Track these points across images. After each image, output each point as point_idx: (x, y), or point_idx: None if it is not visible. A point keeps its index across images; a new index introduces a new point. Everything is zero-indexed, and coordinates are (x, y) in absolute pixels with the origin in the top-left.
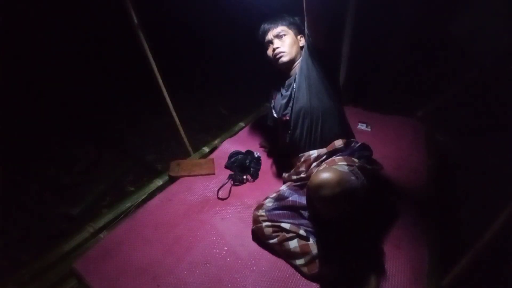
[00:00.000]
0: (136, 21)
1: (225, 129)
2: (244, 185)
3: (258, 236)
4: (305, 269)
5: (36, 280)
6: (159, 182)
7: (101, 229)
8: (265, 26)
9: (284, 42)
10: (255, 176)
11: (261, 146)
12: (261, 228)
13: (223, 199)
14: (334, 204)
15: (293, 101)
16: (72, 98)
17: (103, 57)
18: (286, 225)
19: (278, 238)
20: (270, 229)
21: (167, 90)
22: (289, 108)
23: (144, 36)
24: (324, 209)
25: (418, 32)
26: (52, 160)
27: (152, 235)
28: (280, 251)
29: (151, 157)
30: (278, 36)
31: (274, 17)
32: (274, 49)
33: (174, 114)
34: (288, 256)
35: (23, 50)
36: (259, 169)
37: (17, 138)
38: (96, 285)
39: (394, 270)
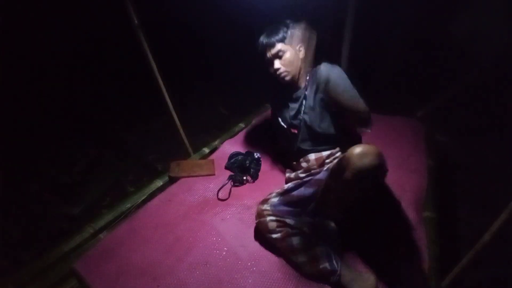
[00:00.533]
0: (136, 21)
1: (225, 129)
2: (244, 186)
3: (261, 231)
4: (306, 267)
5: (36, 280)
6: (159, 182)
7: (101, 230)
8: (262, 43)
9: (285, 61)
10: (255, 177)
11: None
12: (265, 222)
13: (223, 200)
14: (370, 174)
15: (302, 116)
16: (72, 98)
17: (103, 57)
18: (290, 221)
19: (282, 233)
20: (275, 224)
21: (167, 90)
22: (297, 122)
23: (144, 36)
24: (353, 183)
25: (418, 32)
26: (52, 160)
27: (152, 235)
28: (282, 247)
29: (151, 158)
30: (277, 56)
31: (270, 32)
32: (275, 70)
33: (174, 114)
34: (290, 252)
35: (23, 50)
36: (259, 170)
37: (17, 138)
38: (96, 286)
39: (393, 271)
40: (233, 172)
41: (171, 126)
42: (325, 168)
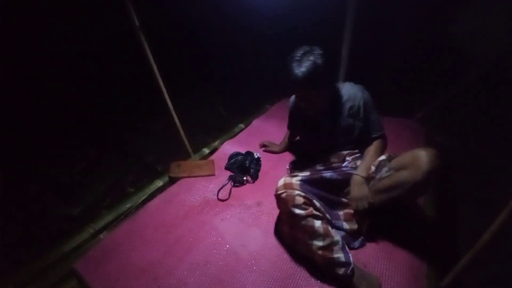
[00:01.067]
0: (137, 22)
1: (225, 130)
2: (244, 186)
3: (284, 203)
4: (319, 252)
5: (36, 280)
6: (159, 183)
7: (101, 230)
8: (294, 80)
9: (316, 100)
10: (255, 177)
11: (262, 146)
12: (293, 195)
13: (223, 200)
14: (438, 174)
15: (330, 138)
16: (73, 99)
17: (103, 58)
18: (317, 203)
19: (306, 211)
20: (302, 199)
21: (167, 91)
22: (325, 142)
23: (145, 37)
24: (423, 184)
25: (418, 32)
26: (52, 161)
27: (152, 236)
28: (299, 227)
29: (151, 158)
30: (308, 97)
31: (300, 67)
32: (303, 104)
33: (174, 114)
34: (308, 233)
35: (23, 50)
36: (259, 170)
37: (17, 138)
38: (96, 286)
39: (393, 271)
40: (233, 173)
41: (171, 126)
42: (349, 164)
